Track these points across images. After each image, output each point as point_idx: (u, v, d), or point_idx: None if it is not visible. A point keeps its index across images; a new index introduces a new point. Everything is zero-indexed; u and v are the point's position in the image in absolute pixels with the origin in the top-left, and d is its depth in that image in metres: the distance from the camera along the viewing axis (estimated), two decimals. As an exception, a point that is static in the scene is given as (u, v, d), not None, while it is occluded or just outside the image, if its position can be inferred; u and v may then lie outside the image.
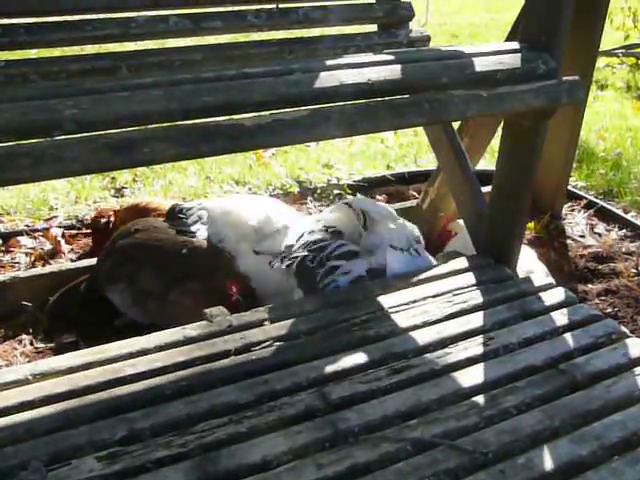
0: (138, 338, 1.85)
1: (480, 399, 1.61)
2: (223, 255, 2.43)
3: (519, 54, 1.92)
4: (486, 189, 2.48)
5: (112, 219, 2.85)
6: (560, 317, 1.96)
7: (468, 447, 1.45)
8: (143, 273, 2.37)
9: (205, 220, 2.50)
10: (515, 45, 1.97)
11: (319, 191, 3.65)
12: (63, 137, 1.43)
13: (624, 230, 3.25)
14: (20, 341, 2.34)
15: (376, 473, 1.40)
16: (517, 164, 2.14)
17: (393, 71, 1.76)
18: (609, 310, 2.53)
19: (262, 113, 1.62)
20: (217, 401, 1.59)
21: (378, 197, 3.53)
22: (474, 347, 1.81)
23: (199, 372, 1.70)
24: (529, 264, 2.45)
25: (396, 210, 3.09)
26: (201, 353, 1.77)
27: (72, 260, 2.87)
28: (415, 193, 3.57)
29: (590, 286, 2.73)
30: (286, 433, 1.49)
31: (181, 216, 2.52)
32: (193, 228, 2.47)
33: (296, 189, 3.75)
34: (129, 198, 3.59)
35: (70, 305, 2.41)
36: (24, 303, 2.45)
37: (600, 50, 3.14)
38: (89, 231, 3.03)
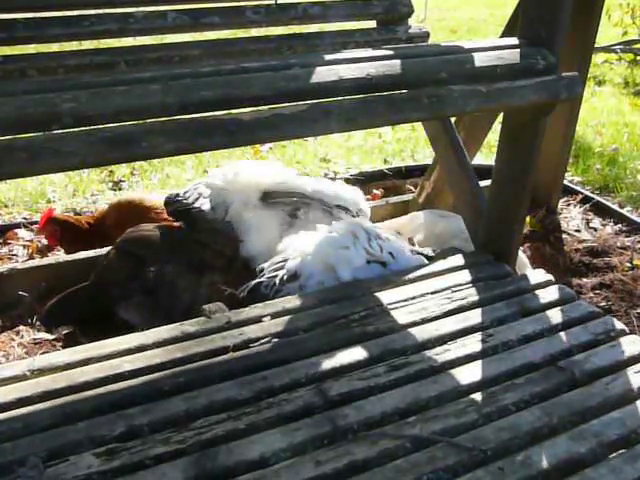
0: (136, 334, 1.85)
1: (479, 396, 1.61)
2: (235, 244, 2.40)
3: (518, 49, 1.91)
4: (483, 183, 2.48)
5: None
6: (559, 314, 1.95)
7: (467, 444, 1.45)
8: (162, 274, 2.31)
9: (207, 194, 2.46)
10: (514, 40, 1.97)
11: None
12: (61, 131, 1.43)
13: (619, 225, 3.25)
14: (18, 332, 2.33)
15: (375, 470, 1.39)
16: (516, 160, 2.14)
17: (392, 66, 1.76)
18: (603, 304, 2.53)
19: (261, 108, 1.61)
20: (215, 397, 1.59)
21: (375, 191, 3.52)
22: (473, 344, 1.80)
23: (197, 368, 1.69)
24: None
25: (393, 204, 3.12)
26: (199, 349, 1.77)
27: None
28: (412, 187, 3.57)
29: (585, 280, 2.73)
30: (284, 430, 1.49)
31: (179, 199, 2.47)
32: (197, 204, 2.42)
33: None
34: (127, 191, 3.59)
35: (70, 311, 2.38)
36: (21, 293, 2.44)
37: (598, 46, 3.14)
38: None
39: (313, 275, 2.15)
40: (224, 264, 2.32)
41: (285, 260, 2.21)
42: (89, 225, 2.75)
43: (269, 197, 2.46)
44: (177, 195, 2.50)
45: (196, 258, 2.33)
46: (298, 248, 2.24)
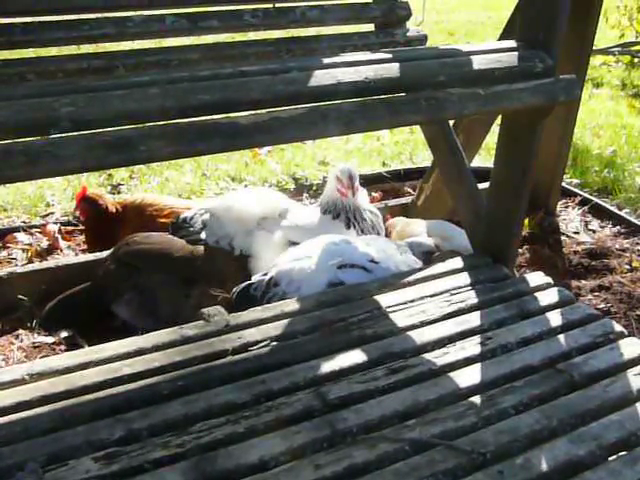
0: (135, 338, 1.84)
1: (478, 399, 1.61)
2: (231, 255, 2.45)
3: (516, 52, 1.91)
4: (482, 186, 2.48)
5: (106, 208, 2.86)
6: (558, 316, 1.95)
7: (466, 447, 1.45)
8: (152, 281, 2.36)
9: (211, 224, 2.53)
10: (512, 43, 1.97)
11: (315, 188, 3.65)
12: (59, 135, 1.42)
13: (618, 227, 3.26)
14: (17, 336, 2.34)
15: (374, 473, 1.39)
16: (514, 162, 2.14)
17: (390, 69, 1.76)
18: (602, 306, 2.53)
19: (259, 111, 1.61)
20: (214, 401, 1.58)
21: (374, 194, 3.52)
22: (472, 347, 1.80)
23: (196, 372, 1.69)
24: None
25: (392, 207, 3.13)
26: (198, 353, 1.76)
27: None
28: (410, 190, 3.57)
29: (583, 282, 2.73)
30: (284, 433, 1.49)
31: (186, 225, 2.54)
32: (202, 235, 2.52)
33: (292, 186, 3.75)
34: (125, 195, 3.59)
35: (68, 312, 2.40)
36: (21, 297, 2.45)
37: (596, 48, 3.14)
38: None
39: (291, 282, 2.18)
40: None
41: (270, 269, 2.26)
42: (117, 210, 2.84)
43: (265, 223, 2.55)
44: (184, 220, 2.58)
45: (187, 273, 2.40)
46: (282, 258, 2.30)
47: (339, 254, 2.22)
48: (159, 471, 1.39)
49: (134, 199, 2.87)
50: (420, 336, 1.85)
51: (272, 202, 2.62)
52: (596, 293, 2.64)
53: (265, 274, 2.23)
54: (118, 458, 1.41)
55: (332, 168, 2.69)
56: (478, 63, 1.86)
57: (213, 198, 3.30)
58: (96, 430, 1.49)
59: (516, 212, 2.22)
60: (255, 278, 2.24)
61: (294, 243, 2.43)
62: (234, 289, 2.23)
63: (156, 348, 1.79)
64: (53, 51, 2.69)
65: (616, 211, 3.41)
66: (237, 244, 2.51)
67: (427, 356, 1.77)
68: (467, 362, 1.75)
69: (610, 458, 1.46)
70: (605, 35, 7.42)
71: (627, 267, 2.83)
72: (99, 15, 2.27)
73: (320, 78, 1.67)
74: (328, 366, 1.72)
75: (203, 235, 2.51)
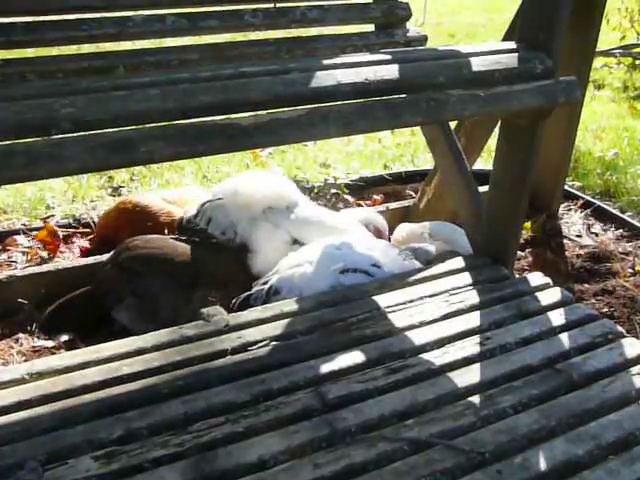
0: (135, 337, 1.85)
1: (477, 399, 1.61)
2: (234, 255, 2.45)
3: (516, 54, 1.92)
4: (483, 189, 2.48)
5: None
6: (557, 317, 1.96)
7: (465, 447, 1.45)
8: (152, 286, 2.36)
9: (216, 215, 2.50)
10: (512, 45, 1.97)
11: (316, 190, 3.64)
12: (59, 136, 1.43)
13: (621, 230, 3.25)
14: (17, 340, 2.33)
15: (373, 473, 1.40)
16: (514, 164, 2.14)
17: (390, 70, 1.76)
18: (605, 310, 2.52)
19: (259, 112, 1.62)
20: (214, 400, 1.59)
21: (375, 197, 3.52)
22: (471, 347, 1.81)
23: (196, 371, 1.69)
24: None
25: (393, 210, 3.12)
26: (198, 352, 1.77)
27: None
28: (412, 193, 3.57)
29: (586, 286, 2.73)
30: (283, 433, 1.49)
31: (191, 225, 2.52)
32: (210, 231, 2.49)
33: (293, 188, 3.74)
34: (126, 197, 3.58)
35: (69, 316, 2.40)
36: (21, 301, 2.44)
37: (598, 50, 3.14)
38: (87, 230, 3.04)
39: (292, 290, 2.17)
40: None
41: (271, 276, 2.25)
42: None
43: (270, 213, 2.51)
44: (189, 221, 2.54)
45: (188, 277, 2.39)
46: (283, 265, 2.28)
47: (341, 259, 2.21)
48: (158, 470, 1.39)
49: (137, 203, 2.85)
50: (419, 336, 1.85)
51: (282, 191, 2.57)
52: (599, 297, 2.63)
53: (265, 282, 2.22)
54: (118, 457, 1.42)
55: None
56: (478, 64, 1.86)
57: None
58: (96, 429, 1.49)
59: (516, 213, 2.22)
60: (255, 288, 2.23)
61: (297, 242, 2.42)
62: (234, 300, 2.22)
63: (156, 348, 1.80)
64: (53, 51, 2.69)
65: (619, 214, 3.39)
66: (240, 230, 2.47)
67: (426, 356, 1.77)
68: (466, 362, 1.75)
69: (608, 458, 1.46)
70: (606, 37, 7.41)
71: (630, 271, 2.83)
72: (99, 15, 2.27)
73: (320, 79, 1.67)
74: (327, 366, 1.72)
75: (210, 230, 2.48)
